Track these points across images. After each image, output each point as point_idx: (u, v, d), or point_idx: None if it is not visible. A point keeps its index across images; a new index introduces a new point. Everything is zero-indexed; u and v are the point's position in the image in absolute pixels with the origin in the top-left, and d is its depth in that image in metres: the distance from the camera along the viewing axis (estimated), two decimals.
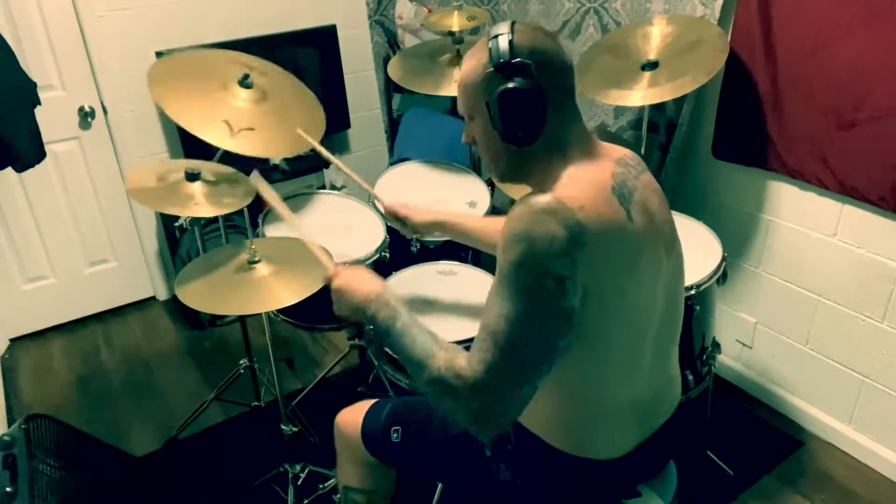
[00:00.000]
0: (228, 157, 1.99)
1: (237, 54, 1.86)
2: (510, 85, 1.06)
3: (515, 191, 2.17)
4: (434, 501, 1.81)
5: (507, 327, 1.01)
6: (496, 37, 1.08)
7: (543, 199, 1.02)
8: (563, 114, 1.11)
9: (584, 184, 1.06)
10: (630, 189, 1.10)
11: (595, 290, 1.02)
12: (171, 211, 1.75)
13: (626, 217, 1.06)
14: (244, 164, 2.02)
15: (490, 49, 1.09)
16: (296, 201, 2.25)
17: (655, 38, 2.06)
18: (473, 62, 1.13)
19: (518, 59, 1.06)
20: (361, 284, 1.26)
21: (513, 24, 1.11)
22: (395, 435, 1.40)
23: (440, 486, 1.82)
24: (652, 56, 2.03)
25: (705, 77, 1.89)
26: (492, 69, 1.08)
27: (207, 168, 1.86)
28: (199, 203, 1.74)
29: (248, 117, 1.74)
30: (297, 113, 1.93)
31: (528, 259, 1.00)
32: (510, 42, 1.07)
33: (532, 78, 1.06)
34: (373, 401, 1.51)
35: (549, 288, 0.99)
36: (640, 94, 1.95)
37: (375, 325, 1.20)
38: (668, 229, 1.20)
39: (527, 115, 1.08)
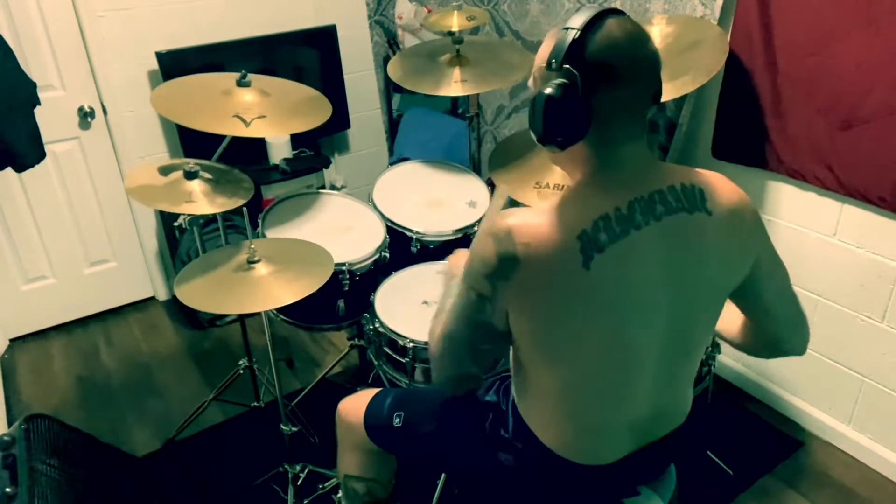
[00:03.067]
0: (228, 157, 1.99)
1: (225, 74, 1.94)
2: (550, 92, 0.98)
3: (515, 191, 2.17)
4: (434, 500, 1.81)
5: (449, 316, 1.17)
6: (567, 29, 0.98)
7: (503, 223, 1.04)
8: (607, 134, 1.03)
9: (553, 223, 1.02)
10: (616, 235, 1.02)
11: (526, 317, 1.07)
12: (169, 208, 1.76)
13: (580, 264, 1.00)
14: (244, 163, 2.02)
15: (555, 42, 1.00)
16: (296, 201, 2.25)
17: (655, 37, 2.06)
18: (544, 48, 1.04)
19: (567, 67, 0.97)
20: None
21: (595, 17, 0.98)
22: (398, 420, 1.41)
23: (440, 484, 1.82)
24: None
25: (705, 77, 1.89)
26: (544, 66, 1.01)
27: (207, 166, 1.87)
28: (197, 201, 1.75)
29: (257, 108, 1.80)
30: (302, 95, 1.97)
31: (467, 270, 1.12)
32: (574, 41, 0.97)
33: (576, 90, 0.97)
34: (375, 390, 1.53)
35: (472, 298, 1.11)
36: None
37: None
38: (686, 273, 1.08)
39: (559, 126, 1.01)
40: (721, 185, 1.11)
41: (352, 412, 1.50)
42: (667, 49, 2.02)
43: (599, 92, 0.98)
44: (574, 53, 0.97)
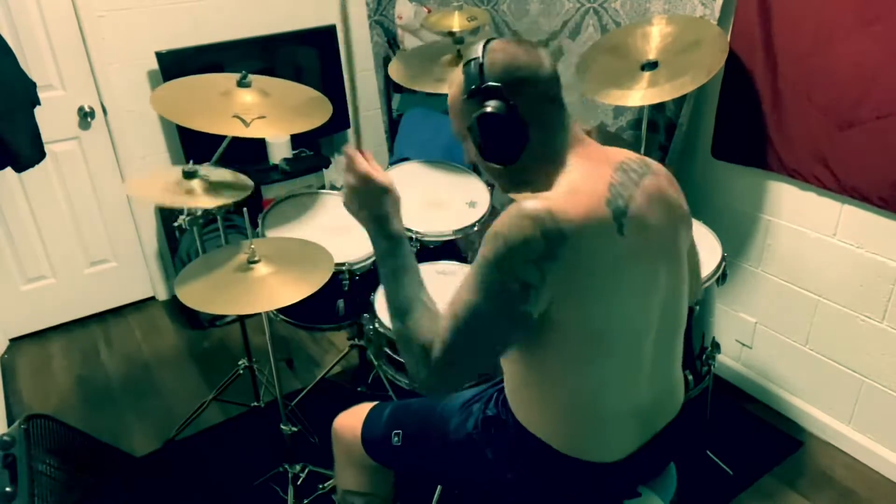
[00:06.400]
0: (229, 157, 1.99)
1: (225, 74, 1.92)
2: (486, 109, 1.08)
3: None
4: (434, 500, 1.81)
5: (467, 315, 1.06)
6: (468, 62, 1.11)
7: (534, 205, 1.02)
8: (547, 125, 1.12)
9: (580, 195, 1.05)
10: (627, 200, 1.08)
11: (572, 299, 1.04)
12: (169, 202, 1.76)
13: (616, 231, 1.05)
14: (244, 163, 2.01)
15: (464, 75, 1.12)
16: (296, 201, 2.25)
17: (655, 38, 2.06)
18: (454, 88, 1.16)
19: (488, 84, 1.08)
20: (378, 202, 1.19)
21: (485, 43, 1.12)
22: (396, 439, 1.40)
23: (439, 488, 1.82)
24: (652, 56, 2.02)
25: (705, 77, 1.89)
26: (465, 96, 1.12)
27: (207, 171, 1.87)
28: (197, 195, 1.75)
29: (257, 109, 1.80)
30: (302, 95, 1.97)
31: (501, 258, 1.03)
32: (480, 66, 1.09)
33: (504, 99, 1.08)
34: (370, 404, 1.51)
35: (513, 290, 1.02)
36: (640, 94, 1.95)
37: (378, 244, 1.20)
38: (670, 240, 1.17)
39: (505, 136, 1.10)
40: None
41: (348, 429, 1.49)
42: (666, 49, 2.02)
43: (520, 95, 1.09)
44: (485, 74, 1.09)
